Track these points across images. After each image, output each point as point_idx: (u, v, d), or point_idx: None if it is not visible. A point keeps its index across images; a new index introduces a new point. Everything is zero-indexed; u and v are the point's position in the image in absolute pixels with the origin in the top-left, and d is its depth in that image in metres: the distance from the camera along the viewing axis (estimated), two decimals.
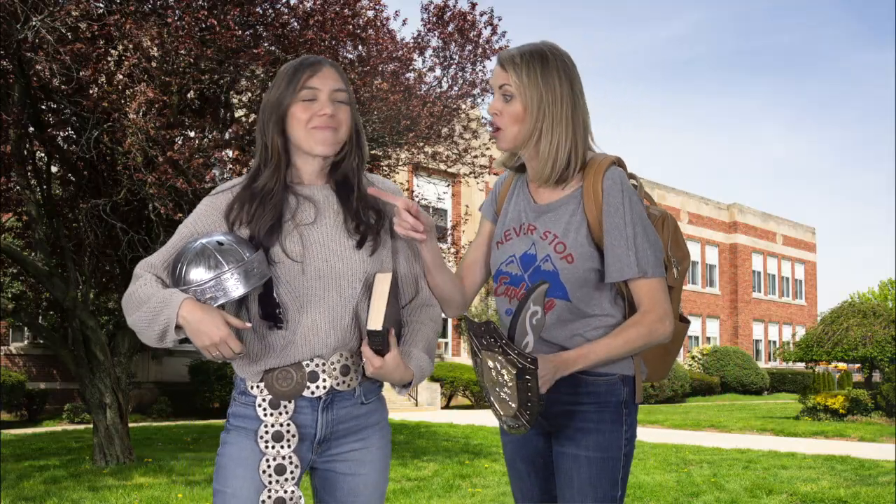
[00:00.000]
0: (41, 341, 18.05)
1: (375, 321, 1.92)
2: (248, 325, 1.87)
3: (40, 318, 14.00)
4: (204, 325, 1.81)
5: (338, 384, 1.96)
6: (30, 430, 15.15)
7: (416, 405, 22.39)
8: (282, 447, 1.92)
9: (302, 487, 2.00)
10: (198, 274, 1.85)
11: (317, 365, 1.94)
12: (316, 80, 1.97)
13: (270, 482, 1.91)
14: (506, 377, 1.93)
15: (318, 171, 2.04)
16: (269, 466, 1.91)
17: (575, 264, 2.06)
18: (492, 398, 2.03)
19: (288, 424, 1.93)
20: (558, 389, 2.07)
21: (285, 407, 1.93)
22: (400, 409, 21.66)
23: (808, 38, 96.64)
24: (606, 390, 2.09)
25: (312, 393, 1.94)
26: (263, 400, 1.94)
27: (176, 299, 1.82)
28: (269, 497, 1.91)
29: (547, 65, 2.07)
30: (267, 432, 1.92)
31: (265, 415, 1.93)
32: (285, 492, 1.92)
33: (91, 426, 12.21)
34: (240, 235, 1.94)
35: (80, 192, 9.26)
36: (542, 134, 2.06)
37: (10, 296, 14.06)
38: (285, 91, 1.98)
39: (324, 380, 1.95)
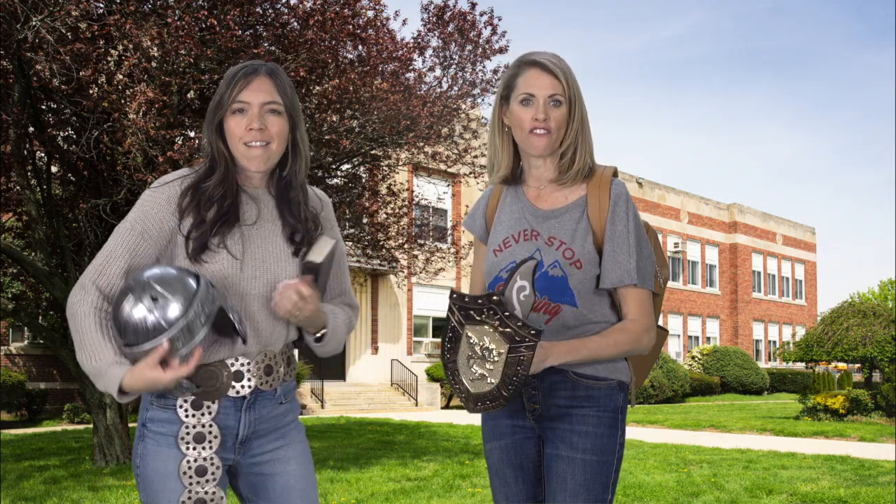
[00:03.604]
0: (41, 341, 18.05)
1: (317, 254, 1.97)
2: (184, 371, 1.81)
3: (40, 318, 13.98)
4: (150, 383, 1.79)
5: (261, 384, 1.97)
6: (30, 430, 15.15)
7: (416, 405, 22.38)
8: (203, 448, 1.91)
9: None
10: (148, 343, 1.79)
11: (242, 364, 1.95)
12: (246, 94, 1.95)
13: (191, 483, 1.90)
14: (494, 351, 1.96)
15: (261, 177, 2.05)
16: (189, 468, 1.90)
17: (583, 270, 2.10)
18: (462, 377, 2.03)
19: (210, 425, 1.92)
20: (556, 393, 2.11)
21: (208, 408, 1.92)
22: (400, 409, 21.65)
23: (808, 38, 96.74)
24: (606, 395, 2.12)
25: (237, 392, 1.94)
26: (185, 401, 1.92)
27: (113, 376, 1.80)
28: (190, 498, 1.90)
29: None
30: (188, 433, 1.91)
31: (186, 416, 1.91)
32: (206, 493, 1.91)
33: (91, 426, 12.22)
34: (173, 270, 1.86)
35: (80, 192, 9.26)
36: (580, 139, 2.16)
37: (10, 296, 14.06)
38: (221, 100, 1.97)
39: (248, 379, 1.95)
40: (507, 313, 1.94)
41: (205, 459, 1.91)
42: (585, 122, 2.17)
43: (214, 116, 1.98)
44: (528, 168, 2.23)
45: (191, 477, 1.90)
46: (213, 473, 1.91)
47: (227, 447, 1.96)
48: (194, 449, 1.90)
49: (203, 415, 1.91)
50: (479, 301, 1.96)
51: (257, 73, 1.97)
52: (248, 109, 1.95)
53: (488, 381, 1.98)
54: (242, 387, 1.94)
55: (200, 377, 1.91)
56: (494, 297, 1.94)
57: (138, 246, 1.92)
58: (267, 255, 1.98)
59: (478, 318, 1.97)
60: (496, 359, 1.96)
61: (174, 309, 1.79)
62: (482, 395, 2.01)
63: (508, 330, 1.94)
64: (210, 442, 1.91)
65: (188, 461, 1.90)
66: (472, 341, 1.99)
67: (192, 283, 1.82)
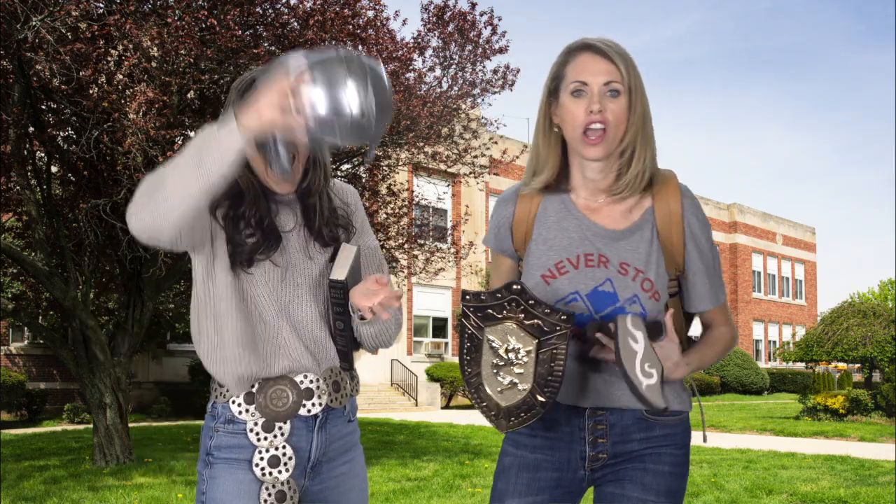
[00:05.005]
0: (41, 341, 18.06)
1: (340, 271, 1.83)
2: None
3: (40, 318, 13.99)
4: (260, 103, 1.59)
5: (332, 401, 1.92)
6: (30, 430, 15.15)
7: (416, 405, 22.38)
8: (279, 472, 1.84)
9: None
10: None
11: (311, 381, 1.89)
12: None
13: None
14: (521, 351, 1.72)
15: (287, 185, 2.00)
16: (269, 495, 1.83)
17: (660, 303, 1.82)
18: (488, 390, 1.75)
19: (283, 447, 1.85)
20: (629, 437, 1.86)
21: (280, 429, 1.86)
22: (400, 409, 21.65)
23: (808, 38, 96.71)
24: (682, 431, 1.94)
25: (308, 411, 1.88)
26: (256, 424, 1.85)
27: (227, 120, 1.63)
28: None
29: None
30: (262, 458, 1.84)
31: (259, 440, 1.84)
32: None
33: (91, 426, 12.21)
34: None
35: (80, 192, 9.26)
36: (641, 140, 1.80)
37: (10, 296, 14.06)
38: None
39: (319, 396, 1.89)
40: (531, 301, 1.69)
41: (282, 484, 1.84)
42: (648, 118, 1.79)
43: None
44: (580, 176, 1.86)
45: None
46: (291, 498, 1.85)
47: (299, 472, 1.89)
48: (270, 474, 1.84)
49: (276, 436, 1.84)
50: (498, 295, 1.71)
51: None
52: None
53: (519, 387, 1.72)
54: (314, 405, 1.88)
55: (268, 397, 1.85)
56: (514, 286, 1.70)
57: None
58: (306, 260, 1.94)
59: (498, 315, 1.72)
60: (525, 360, 1.71)
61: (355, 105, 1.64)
62: (514, 407, 1.72)
63: (535, 321, 1.69)
64: (285, 464, 1.85)
65: (267, 488, 1.82)
66: (494, 345, 1.73)
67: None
